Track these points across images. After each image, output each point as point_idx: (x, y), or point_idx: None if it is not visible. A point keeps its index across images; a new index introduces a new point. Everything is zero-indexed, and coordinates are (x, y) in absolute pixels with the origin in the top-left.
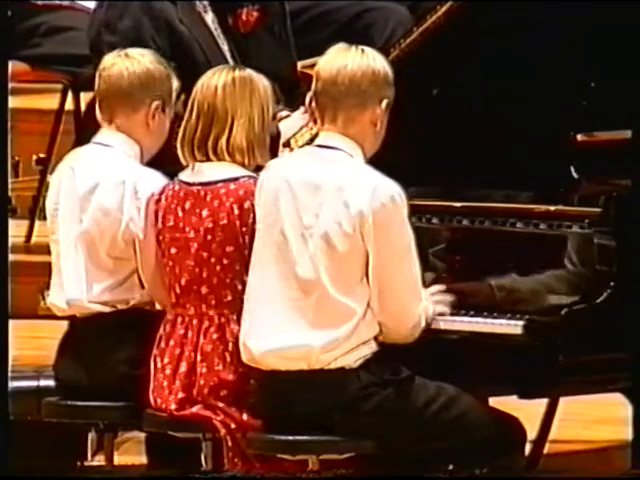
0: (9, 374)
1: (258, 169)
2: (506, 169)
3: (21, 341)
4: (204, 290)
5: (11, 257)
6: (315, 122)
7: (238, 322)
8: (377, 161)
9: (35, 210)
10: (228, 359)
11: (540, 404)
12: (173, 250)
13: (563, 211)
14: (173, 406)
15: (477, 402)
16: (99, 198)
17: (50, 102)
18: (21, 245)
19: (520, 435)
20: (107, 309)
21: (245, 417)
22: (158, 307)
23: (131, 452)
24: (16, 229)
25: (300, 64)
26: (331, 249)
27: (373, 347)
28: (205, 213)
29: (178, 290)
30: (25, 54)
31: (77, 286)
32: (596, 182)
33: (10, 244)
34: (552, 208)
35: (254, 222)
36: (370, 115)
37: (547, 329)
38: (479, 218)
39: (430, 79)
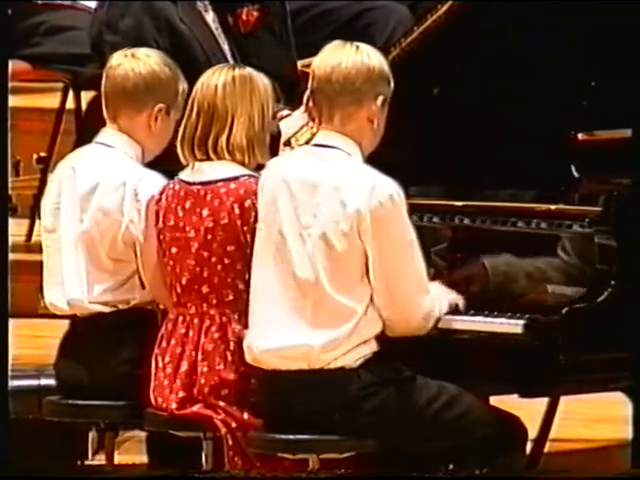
0: (9, 373)
1: (259, 168)
2: (507, 168)
3: (22, 340)
4: (205, 289)
5: (12, 256)
6: (313, 121)
7: (239, 321)
8: (378, 160)
9: (36, 209)
10: (229, 358)
11: (541, 403)
12: (174, 249)
13: (564, 210)
14: (174, 405)
15: (478, 401)
16: (99, 199)
17: (51, 101)
18: (22, 244)
19: (521, 434)
20: (108, 309)
21: (246, 416)
22: (159, 306)
23: (132, 451)
24: (17, 228)
25: (300, 63)
26: (329, 249)
27: (373, 347)
28: (205, 212)
29: (179, 289)
30: (26, 53)
31: (78, 287)
32: (597, 181)
33: (11, 243)
34: (553, 207)
35: (255, 221)
36: (366, 112)
37: (548, 328)
38: (480, 217)
39: (431, 78)
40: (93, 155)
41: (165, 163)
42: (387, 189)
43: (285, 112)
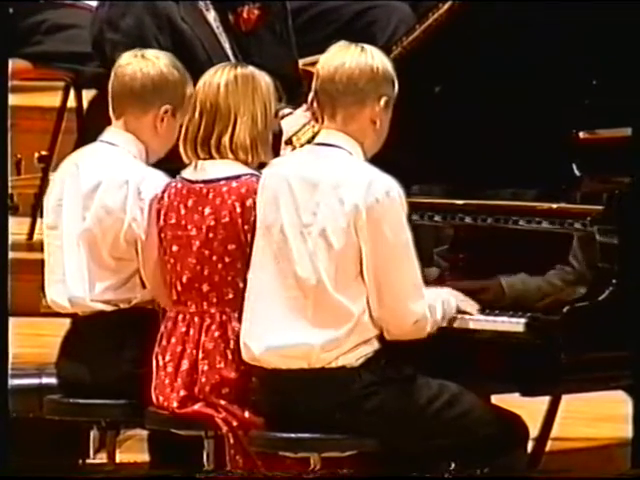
0: (9, 372)
1: (261, 167)
2: (508, 167)
3: (23, 339)
4: (205, 288)
5: (13, 255)
6: (316, 120)
7: (240, 320)
8: (379, 159)
9: (37, 208)
10: (230, 357)
11: (542, 402)
12: (175, 248)
13: (565, 209)
14: (175, 404)
15: (479, 400)
16: (102, 197)
17: (52, 100)
18: (23, 243)
19: (522, 433)
20: (109, 308)
21: (247, 415)
22: (160, 305)
23: (133, 450)
24: (18, 227)
25: (301, 62)
26: (329, 247)
27: (374, 346)
28: (207, 211)
29: (179, 288)
30: (27, 52)
31: (80, 284)
32: (598, 180)
33: (12, 242)
34: (554, 206)
35: (256, 220)
36: (369, 113)
37: (549, 327)
38: (482, 216)
39: (433, 77)
40: (96, 153)
41: (167, 161)
42: (384, 186)
43: (287, 111)
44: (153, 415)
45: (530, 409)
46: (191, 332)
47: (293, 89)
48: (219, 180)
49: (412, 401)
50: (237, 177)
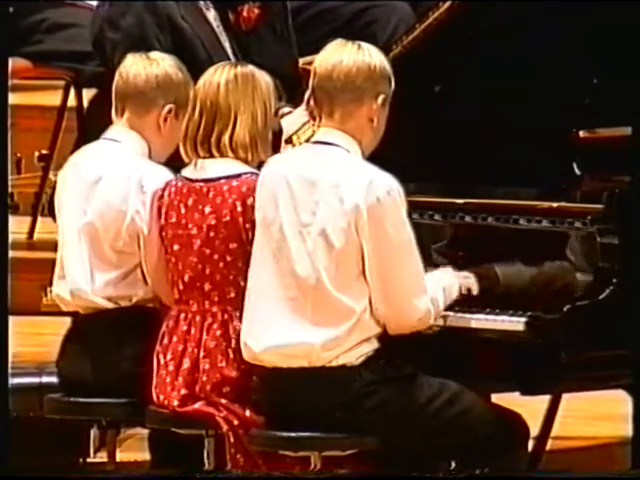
0: (9, 371)
1: (261, 165)
2: (508, 166)
3: (23, 337)
4: (207, 287)
5: (13, 254)
6: (314, 118)
7: (241, 319)
8: (378, 157)
9: (37, 207)
10: (231, 356)
11: (542, 401)
12: (176, 246)
13: (565, 208)
14: (176, 402)
15: (480, 399)
16: (104, 191)
17: (52, 99)
18: (23, 242)
19: (523, 432)
20: (110, 305)
21: (248, 414)
22: (161, 304)
23: (134, 449)
24: (18, 226)
25: (301, 61)
26: (329, 246)
27: (375, 344)
28: (208, 210)
29: (181, 286)
30: (27, 51)
31: (81, 276)
32: (598, 179)
33: (12, 241)
34: (554, 205)
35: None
36: (367, 111)
37: (549, 326)
38: (482, 215)
39: (432, 76)
40: (99, 150)
41: (168, 159)
42: (385, 185)
43: (287, 109)
44: (154, 414)
45: (530, 408)
46: (192, 331)
47: (293, 88)
48: (219, 179)
49: (412, 400)
50: (237, 176)
